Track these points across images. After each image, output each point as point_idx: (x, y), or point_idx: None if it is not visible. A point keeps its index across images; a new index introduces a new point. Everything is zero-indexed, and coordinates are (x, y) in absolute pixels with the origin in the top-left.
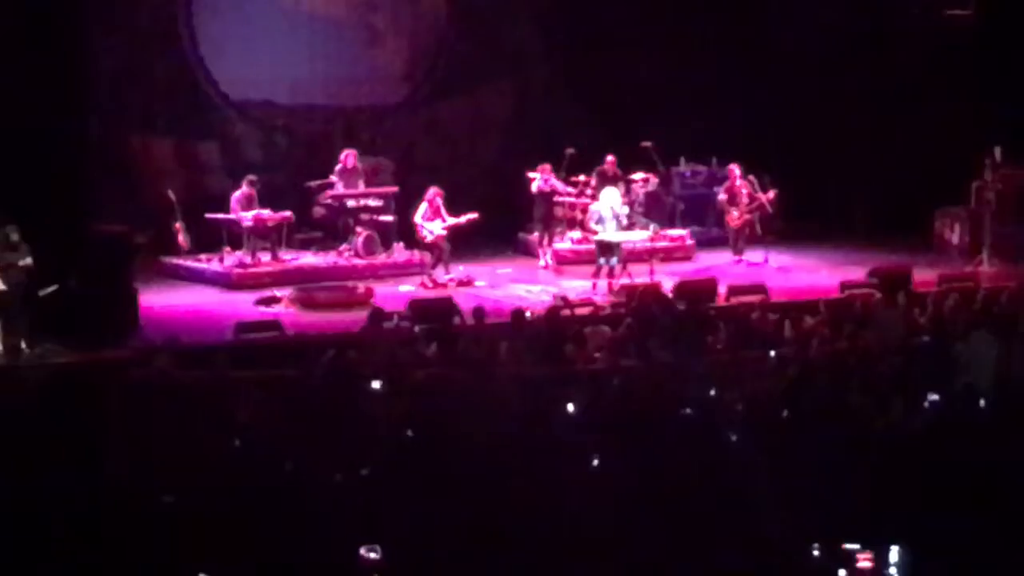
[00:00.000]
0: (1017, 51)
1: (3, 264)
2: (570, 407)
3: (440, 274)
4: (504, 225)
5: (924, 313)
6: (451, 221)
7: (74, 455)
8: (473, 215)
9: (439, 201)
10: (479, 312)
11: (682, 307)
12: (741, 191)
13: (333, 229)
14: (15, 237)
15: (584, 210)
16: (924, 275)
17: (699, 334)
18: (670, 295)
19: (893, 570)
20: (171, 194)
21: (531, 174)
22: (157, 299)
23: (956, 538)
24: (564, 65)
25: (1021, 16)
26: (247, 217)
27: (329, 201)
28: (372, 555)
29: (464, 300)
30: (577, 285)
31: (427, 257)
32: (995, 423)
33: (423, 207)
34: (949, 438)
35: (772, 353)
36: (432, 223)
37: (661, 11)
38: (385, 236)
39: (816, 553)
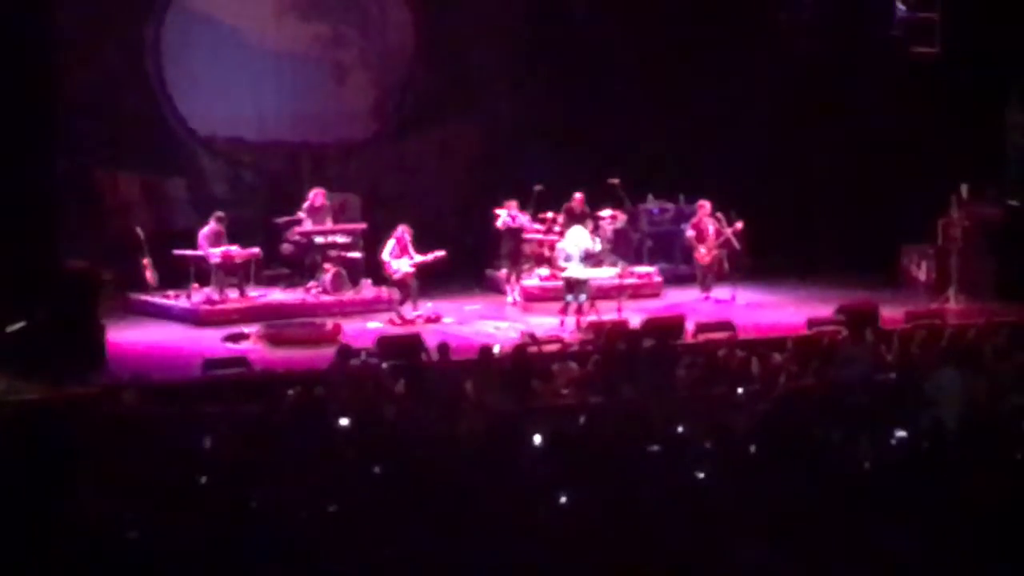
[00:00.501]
0: (983, 88)
1: None
2: (536, 440)
3: (408, 311)
4: (472, 261)
5: (891, 350)
6: (418, 259)
7: (40, 491)
8: (440, 253)
9: (407, 238)
10: (444, 348)
11: (650, 344)
12: (708, 227)
13: (301, 265)
14: None
15: (552, 247)
16: (891, 312)
17: (666, 371)
18: (638, 332)
19: None
20: (139, 230)
21: (497, 210)
22: (124, 335)
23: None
24: (532, 101)
25: (987, 54)
26: (215, 253)
27: (297, 237)
28: None
29: (432, 336)
30: (545, 322)
31: (395, 294)
32: (962, 458)
33: (391, 244)
34: (916, 473)
35: (740, 390)
36: (399, 260)
37: (630, 49)
38: (353, 272)
39: None
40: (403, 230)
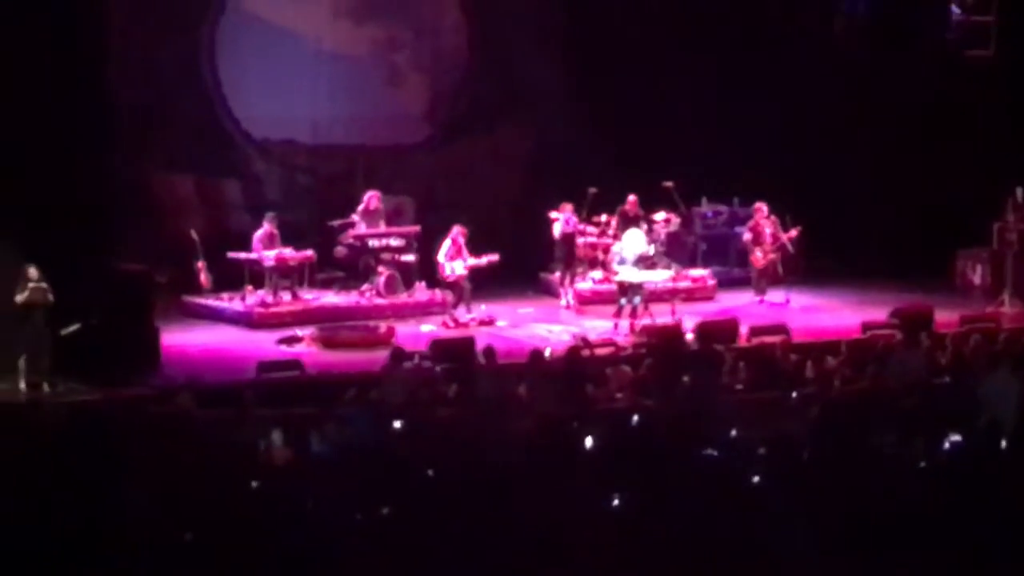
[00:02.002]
0: None
1: (26, 302)
2: (588, 443)
3: (461, 313)
4: (526, 265)
5: (945, 354)
6: (472, 261)
7: (96, 492)
8: (494, 257)
9: (462, 240)
10: (490, 352)
11: (703, 347)
12: (765, 230)
13: (355, 268)
14: (35, 275)
15: (606, 250)
16: (946, 316)
17: (720, 374)
18: (692, 335)
19: None
20: (193, 233)
21: (553, 214)
22: (179, 338)
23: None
24: (585, 104)
25: None
26: (269, 256)
27: (351, 240)
28: None
29: (484, 340)
30: (599, 325)
31: (448, 296)
32: (1017, 461)
33: (446, 244)
34: (972, 476)
35: (794, 393)
36: (454, 262)
37: (684, 52)
38: (407, 275)
39: None
40: (458, 231)
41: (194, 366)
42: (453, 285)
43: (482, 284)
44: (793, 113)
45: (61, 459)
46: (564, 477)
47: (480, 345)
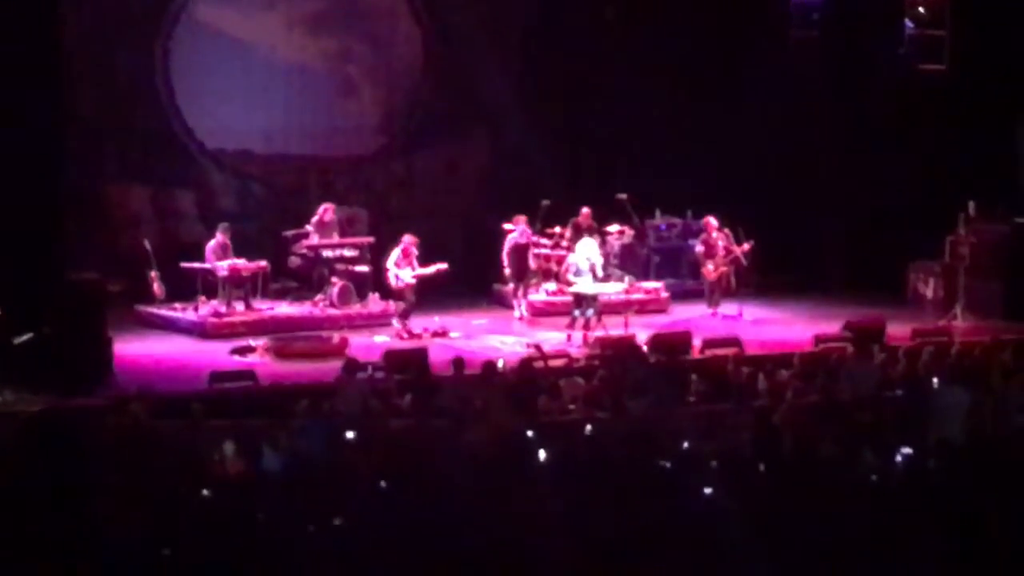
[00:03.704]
0: (991, 106)
1: None
2: (542, 455)
3: (405, 322)
4: (479, 276)
5: (898, 367)
6: (419, 271)
7: (48, 502)
8: (442, 266)
9: (413, 250)
10: (460, 363)
11: (656, 359)
12: (717, 243)
13: (308, 279)
14: None
15: (559, 262)
16: (898, 329)
17: (673, 387)
18: (645, 347)
19: None
20: (147, 243)
21: (507, 226)
22: (131, 347)
23: None
24: (539, 117)
25: (996, 71)
26: (222, 266)
27: (305, 251)
28: None
29: (439, 351)
30: (552, 337)
31: (398, 306)
32: (967, 476)
33: (396, 252)
34: (922, 490)
35: (746, 406)
36: (403, 270)
37: (638, 65)
38: (360, 286)
39: None
40: (409, 241)
41: (147, 376)
42: (398, 293)
43: (436, 295)
44: (747, 126)
45: (14, 469)
46: (517, 488)
47: (433, 356)
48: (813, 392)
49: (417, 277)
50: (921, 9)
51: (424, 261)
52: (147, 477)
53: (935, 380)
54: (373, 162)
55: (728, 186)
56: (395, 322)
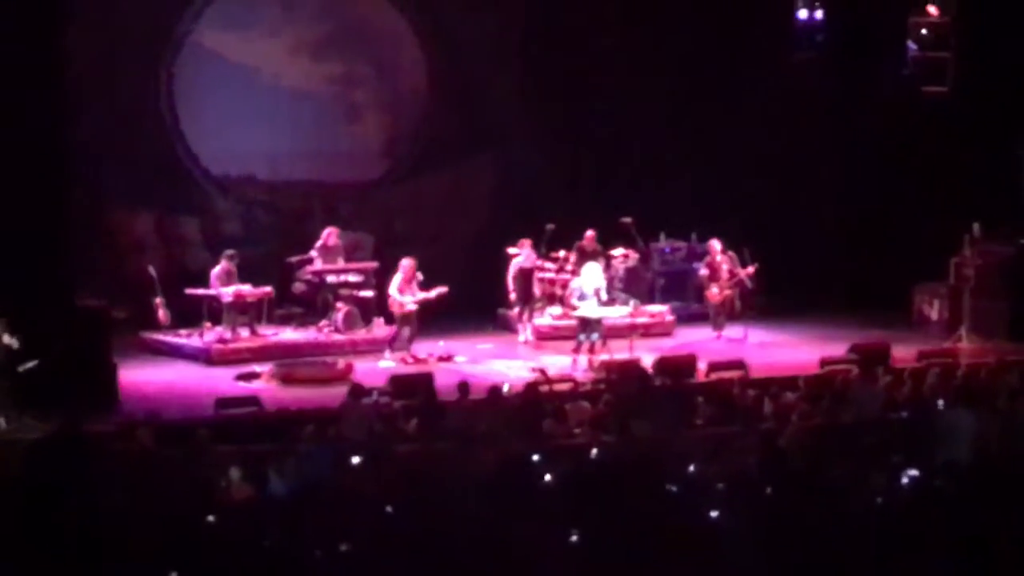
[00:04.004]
0: (995, 128)
1: None
2: (548, 479)
3: (405, 347)
4: (484, 300)
5: (903, 389)
6: (420, 295)
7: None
8: (443, 289)
9: (413, 273)
10: (465, 387)
11: (662, 383)
12: (722, 266)
13: (313, 304)
14: None
15: (564, 286)
16: (904, 351)
17: (679, 410)
18: (650, 371)
19: None
20: (151, 269)
21: (512, 250)
22: (137, 374)
23: None
24: (544, 142)
25: (999, 93)
26: (227, 293)
27: (309, 277)
28: None
29: (444, 376)
30: (557, 361)
31: (403, 331)
32: (973, 498)
33: (397, 278)
34: (929, 512)
35: (752, 429)
36: (404, 295)
37: (644, 88)
38: (365, 311)
39: None
40: (409, 264)
41: (152, 402)
42: (400, 317)
43: (441, 320)
44: (752, 149)
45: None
46: (523, 512)
47: (439, 381)
48: (819, 415)
49: (418, 302)
50: (924, 31)
51: (429, 285)
52: (154, 503)
53: (941, 402)
54: (378, 187)
55: (733, 209)
56: (387, 353)
